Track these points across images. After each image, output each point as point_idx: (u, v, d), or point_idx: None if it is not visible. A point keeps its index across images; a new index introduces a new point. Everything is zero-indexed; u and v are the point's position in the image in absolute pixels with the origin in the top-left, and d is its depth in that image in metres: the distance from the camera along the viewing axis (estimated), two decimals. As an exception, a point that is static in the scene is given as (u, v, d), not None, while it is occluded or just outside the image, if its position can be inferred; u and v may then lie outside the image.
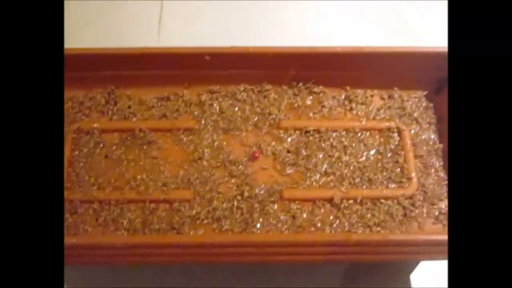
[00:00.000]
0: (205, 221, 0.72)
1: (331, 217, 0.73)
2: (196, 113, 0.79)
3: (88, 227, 0.70)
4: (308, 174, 0.76)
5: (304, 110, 0.79)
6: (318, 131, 0.78)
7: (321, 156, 0.77)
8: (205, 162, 0.76)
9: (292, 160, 0.76)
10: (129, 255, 0.64)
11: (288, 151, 0.77)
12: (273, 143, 0.77)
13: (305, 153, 0.77)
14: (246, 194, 0.73)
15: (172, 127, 0.78)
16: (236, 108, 0.78)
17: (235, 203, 0.73)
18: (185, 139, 0.78)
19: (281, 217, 0.72)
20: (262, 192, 0.74)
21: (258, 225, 0.71)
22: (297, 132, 0.78)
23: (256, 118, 0.78)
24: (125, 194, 0.73)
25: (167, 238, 0.68)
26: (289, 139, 0.77)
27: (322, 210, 0.73)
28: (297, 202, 0.74)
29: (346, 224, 0.72)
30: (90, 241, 0.63)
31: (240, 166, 0.76)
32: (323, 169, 0.76)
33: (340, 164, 0.77)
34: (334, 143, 0.78)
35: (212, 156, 0.76)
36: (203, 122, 0.78)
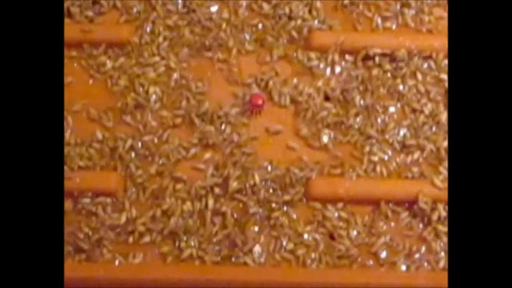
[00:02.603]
0: (146, 238, 0.71)
1: (414, 241, 0.72)
2: (135, 9, 0.77)
3: None
4: (367, 148, 0.74)
5: (362, 10, 0.78)
6: (390, 56, 0.76)
7: (393, 109, 0.75)
8: (149, 115, 0.74)
9: (333, 116, 0.75)
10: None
11: (327, 97, 0.75)
12: (295, 80, 0.75)
13: (362, 103, 0.75)
14: (234, 185, 0.71)
15: (82, 39, 0.76)
16: (217, 4, 0.77)
17: (211, 202, 0.71)
18: (109, 65, 0.76)
19: (306, 236, 0.71)
20: (267, 182, 0.72)
21: (257, 251, 0.71)
22: (348, 57, 0.76)
23: (260, 26, 0.76)
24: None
25: (68, 269, 0.65)
26: (328, 72, 0.76)
27: (393, 224, 0.72)
28: (340, 205, 0.72)
29: (442, 254, 0.71)
30: None
31: (224, 126, 0.74)
32: (398, 138, 0.74)
33: (434, 128, 0.75)
34: (429, 86, 0.76)
35: (165, 103, 0.75)
36: (147, 29, 0.76)
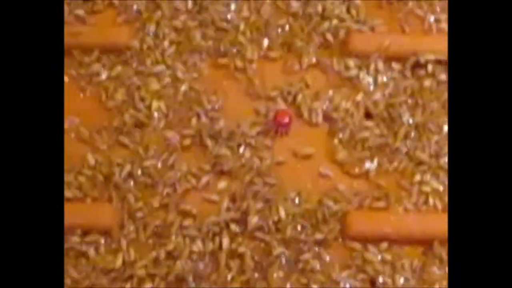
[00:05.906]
0: (147, 285, 0.70)
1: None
2: (135, 7, 0.77)
3: None
4: (418, 176, 0.73)
5: (411, 8, 0.78)
6: (446, 64, 0.75)
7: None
8: (151, 135, 0.74)
9: (376, 137, 0.75)
10: None
11: (368, 114, 0.76)
12: (330, 93, 0.75)
13: (411, 121, 0.75)
14: (254, 220, 0.71)
15: (72, 44, 0.75)
16: (234, 1, 0.77)
17: (226, 242, 0.71)
18: (103, 75, 0.75)
19: (342, 283, 0.71)
20: (295, 217, 0.71)
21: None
22: (394, 65, 0.76)
23: (287, 27, 0.77)
24: None
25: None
26: (370, 83, 0.76)
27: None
28: (384, 246, 0.71)
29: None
30: None
31: (242, 149, 0.74)
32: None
33: None
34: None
35: (170, 121, 0.75)
36: (150, 32, 0.76)
